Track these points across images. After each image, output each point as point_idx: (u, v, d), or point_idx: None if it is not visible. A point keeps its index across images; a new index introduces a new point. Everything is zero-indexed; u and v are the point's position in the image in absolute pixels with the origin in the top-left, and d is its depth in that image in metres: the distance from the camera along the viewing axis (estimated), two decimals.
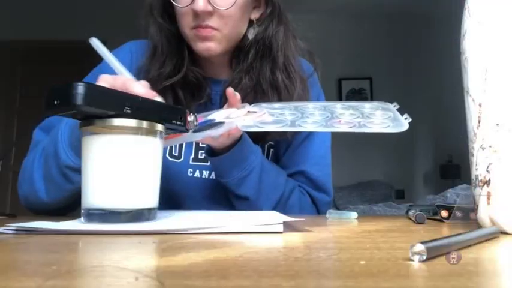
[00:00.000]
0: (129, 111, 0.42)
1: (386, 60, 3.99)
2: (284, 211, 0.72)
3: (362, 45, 3.91)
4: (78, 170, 0.62)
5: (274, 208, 0.70)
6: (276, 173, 0.73)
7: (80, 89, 0.38)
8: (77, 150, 0.57)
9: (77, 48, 3.79)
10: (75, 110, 0.40)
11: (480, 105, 0.42)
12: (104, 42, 0.56)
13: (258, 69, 0.72)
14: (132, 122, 0.42)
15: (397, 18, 3.85)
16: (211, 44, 0.68)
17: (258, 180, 0.69)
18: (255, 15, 0.73)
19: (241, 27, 0.71)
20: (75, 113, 0.42)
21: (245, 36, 0.73)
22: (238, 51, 0.74)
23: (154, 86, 0.70)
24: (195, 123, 0.51)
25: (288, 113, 0.60)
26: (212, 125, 0.60)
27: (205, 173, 0.75)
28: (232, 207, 0.72)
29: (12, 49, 3.75)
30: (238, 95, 0.63)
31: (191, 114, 0.50)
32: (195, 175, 0.74)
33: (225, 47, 0.70)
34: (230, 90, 0.62)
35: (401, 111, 0.57)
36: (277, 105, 0.65)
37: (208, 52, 0.69)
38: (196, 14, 0.65)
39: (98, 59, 0.60)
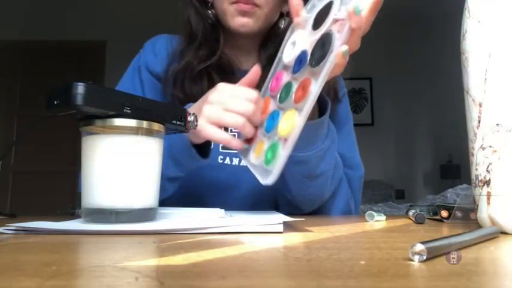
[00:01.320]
0: (129, 111, 0.42)
1: (387, 60, 4.00)
2: (338, 189, 0.70)
3: (362, 45, 3.91)
4: (172, 180, 0.63)
5: (336, 187, 0.68)
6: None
7: (80, 89, 0.38)
8: (176, 161, 0.58)
9: (77, 48, 3.82)
10: (75, 110, 0.40)
11: (480, 105, 0.42)
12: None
13: None
14: (132, 122, 0.42)
15: (397, 18, 3.85)
16: (250, 20, 0.68)
17: (335, 154, 0.66)
18: (285, 9, 0.75)
19: (276, 12, 0.73)
20: (75, 113, 0.42)
21: (275, 26, 0.75)
22: (267, 40, 0.75)
23: (190, 70, 0.70)
24: (195, 123, 0.51)
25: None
26: (322, 44, 0.48)
27: (236, 160, 0.74)
28: (266, 198, 0.71)
29: (12, 49, 3.75)
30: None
31: (191, 114, 0.50)
32: (226, 162, 0.74)
33: (261, 27, 0.71)
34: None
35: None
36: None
37: (244, 28, 0.69)
38: None
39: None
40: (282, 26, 0.74)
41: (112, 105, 0.41)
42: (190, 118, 0.50)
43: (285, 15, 0.75)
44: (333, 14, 0.49)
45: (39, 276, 0.21)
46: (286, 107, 0.50)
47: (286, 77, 0.54)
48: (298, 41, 0.53)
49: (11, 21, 3.78)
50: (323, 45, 0.48)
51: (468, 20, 0.44)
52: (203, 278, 0.21)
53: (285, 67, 0.54)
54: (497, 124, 0.40)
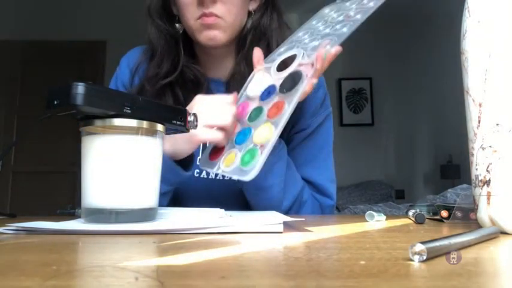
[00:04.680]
0: (129, 111, 0.42)
1: (387, 60, 3.99)
2: (299, 207, 0.72)
3: (362, 45, 3.91)
4: (164, 194, 0.63)
5: (293, 203, 0.70)
6: (294, 166, 0.73)
7: (80, 89, 0.38)
8: (164, 179, 0.51)
9: (77, 48, 3.82)
10: (75, 110, 0.40)
11: (480, 105, 0.42)
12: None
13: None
14: (132, 122, 0.42)
15: (397, 18, 3.85)
16: (216, 32, 0.69)
17: (285, 170, 0.68)
18: (252, 7, 0.75)
19: (242, 16, 0.73)
20: (75, 113, 0.42)
21: (245, 27, 0.75)
22: (238, 42, 0.75)
23: (152, 86, 0.71)
24: (195, 123, 0.51)
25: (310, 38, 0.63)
26: (292, 78, 0.58)
27: (212, 174, 0.74)
28: (238, 207, 0.71)
29: (12, 49, 3.75)
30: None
31: (191, 114, 0.50)
32: (202, 175, 0.74)
33: (229, 35, 0.71)
34: (258, 48, 0.66)
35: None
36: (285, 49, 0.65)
37: (213, 41, 0.69)
38: (201, 3, 0.66)
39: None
40: (249, 26, 0.74)
41: (112, 105, 0.41)
42: (190, 118, 0.50)
43: (253, 13, 0.75)
44: (298, 60, 0.60)
45: (39, 276, 0.21)
46: (258, 123, 0.57)
47: (253, 104, 0.61)
48: (263, 80, 0.62)
49: (11, 21, 3.78)
50: (293, 79, 0.57)
51: (468, 20, 0.44)
52: (203, 278, 0.21)
53: (250, 99, 0.63)
54: (497, 124, 0.40)
